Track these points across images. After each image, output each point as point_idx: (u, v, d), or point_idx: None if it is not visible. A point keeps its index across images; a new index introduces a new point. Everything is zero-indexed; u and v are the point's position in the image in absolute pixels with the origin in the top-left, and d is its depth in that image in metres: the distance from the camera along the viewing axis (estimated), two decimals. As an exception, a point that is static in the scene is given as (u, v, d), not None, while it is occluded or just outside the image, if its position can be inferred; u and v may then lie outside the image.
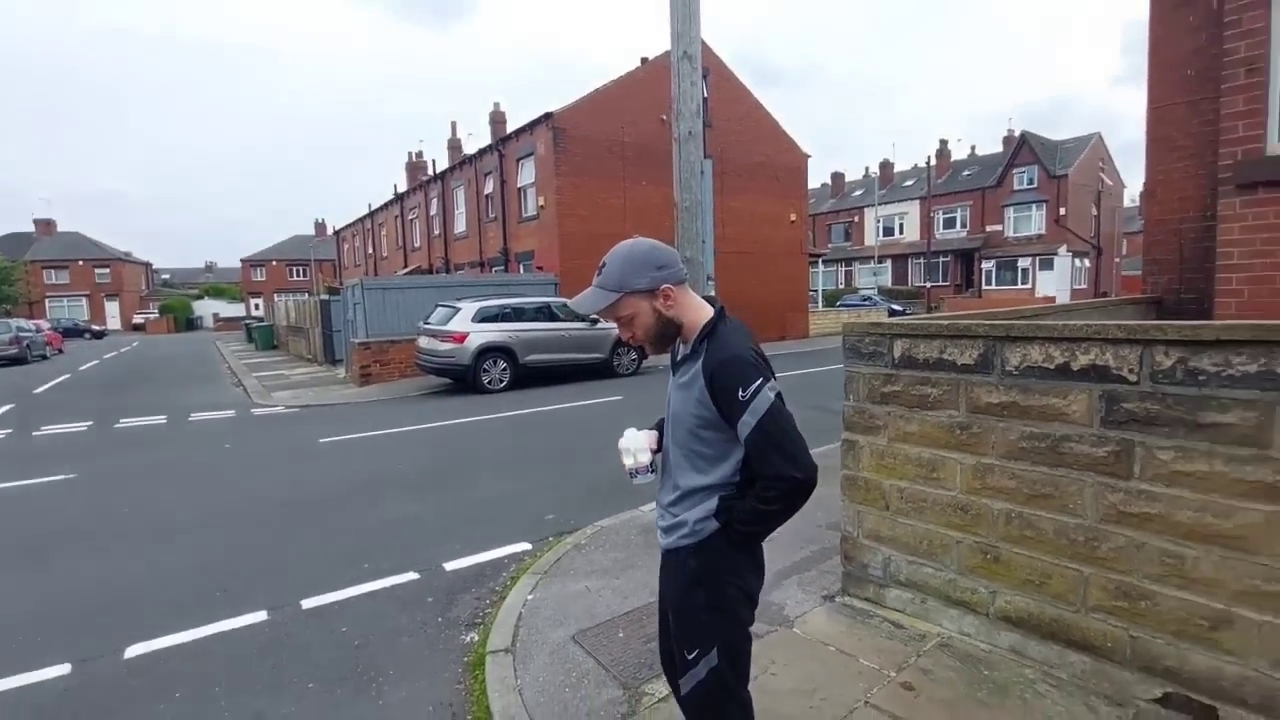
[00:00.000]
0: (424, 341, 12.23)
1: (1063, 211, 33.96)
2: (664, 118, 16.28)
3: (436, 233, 26.04)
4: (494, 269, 21.11)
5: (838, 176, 51.89)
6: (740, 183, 20.10)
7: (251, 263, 65.20)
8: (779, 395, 1.47)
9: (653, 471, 1.77)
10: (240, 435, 9.18)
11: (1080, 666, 2.46)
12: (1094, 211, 31.93)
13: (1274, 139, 4.23)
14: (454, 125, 29.87)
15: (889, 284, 40.90)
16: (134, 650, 3.32)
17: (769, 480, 1.46)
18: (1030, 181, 37.27)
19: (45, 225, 55.91)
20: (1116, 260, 37.84)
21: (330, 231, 50.07)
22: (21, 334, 23.36)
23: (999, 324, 2.64)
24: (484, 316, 11.94)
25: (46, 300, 50.61)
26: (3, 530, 5.34)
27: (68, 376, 18.02)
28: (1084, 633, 2.45)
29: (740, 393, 1.45)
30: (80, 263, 53.35)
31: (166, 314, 51.97)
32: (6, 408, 12.25)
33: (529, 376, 12.22)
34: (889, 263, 42.74)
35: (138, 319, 52.27)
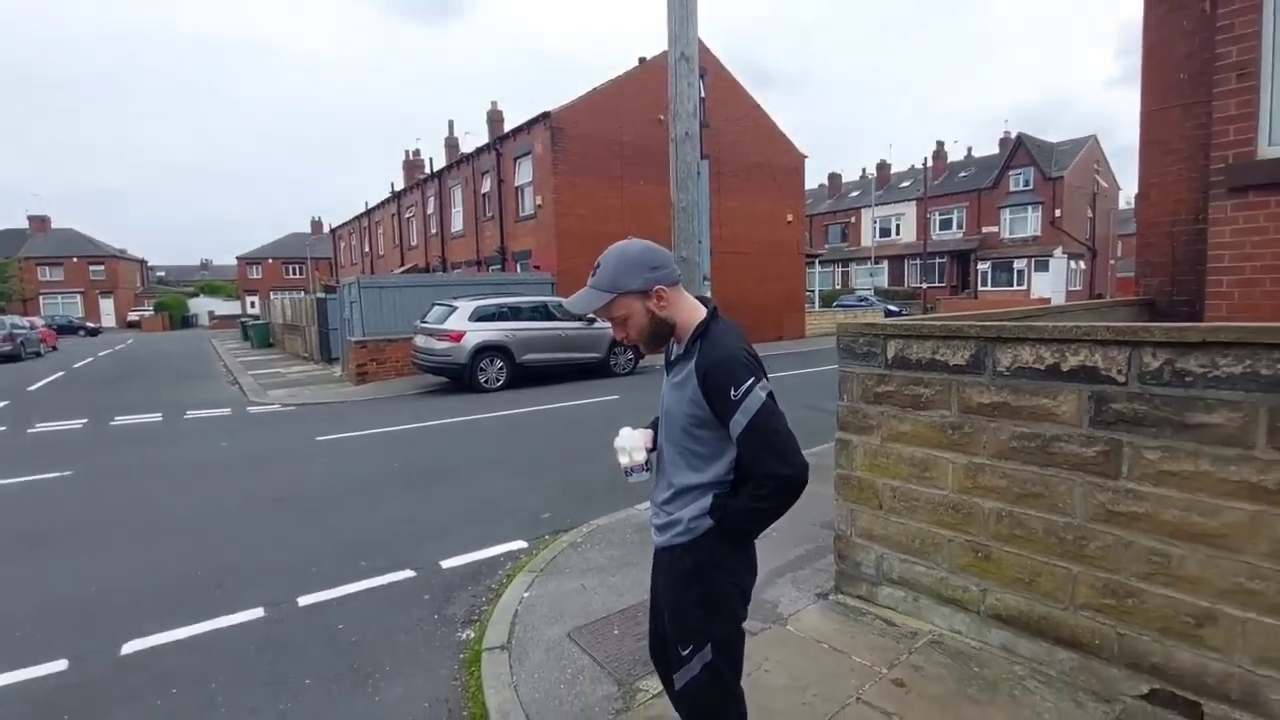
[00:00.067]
0: (420, 340, 12.23)
1: (1058, 213, 34.10)
2: (661, 118, 16.32)
3: (433, 231, 26.03)
4: (491, 268, 21.10)
5: (834, 177, 51.98)
6: (737, 183, 20.15)
7: (247, 260, 65.03)
8: (770, 394, 1.50)
9: (648, 470, 1.80)
10: (236, 433, 9.17)
11: (1069, 663, 2.50)
12: (1089, 213, 32.09)
13: (1265, 143, 4.27)
14: (451, 124, 29.89)
15: (885, 285, 41.01)
16: (131, 647, 3.33)
17: (761, 478, 1.49)
18: (1026, 183, 37.40)
19: (39, 222, 55.70)
20: (1111, 262, 38.04)
21: (327, 229, 50.01)
22: (15, 331, 23.27)
23: (990, 325, 2.68)
24: (481, 315, 11.95)
25: (41, 297, 50.42)
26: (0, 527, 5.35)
27: (62, 374, 17.97)
28: (1072, 630, 2.48)
29: (732, 392, 1.47)
30: (75, 260, 53.14)
31: (161, 311, 51.77)
32: (1, 405, 12.22)
33: (526, 375, 12.24)
34: (885, 263, 42.83)
35: (133, 316, 52.10)
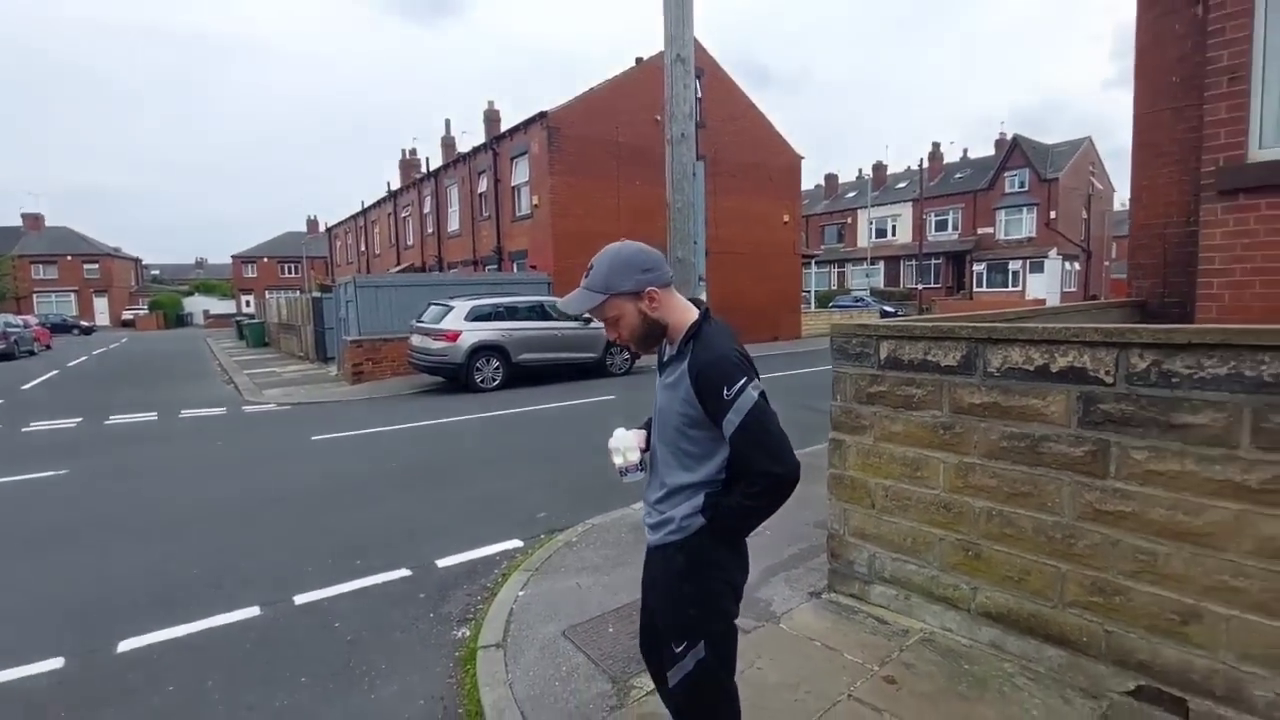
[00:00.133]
0: (416, 340, 12.23)
1: (1053, 215, 34.24)
2: (658, 118, 16.34)
3: (430, 231, 26.01)
4: (487, 267, 21.09)
5: (831, 178, 52.10)
6: (734, 183, 20.18)
7: (243, 259, 64.85)
8: (762, 394, 1.52)
9: (642, 470, 1.82)
10: (232, 432, 9.16)
11: (1057, 660, 2.53)
12: (1084, 215, 32.20)
13: (1255, 146, 4.31)
14: (448, 123, 29.85)
15: (881, 285, 41.13)
16: (127, 644, 3.34)
17: (753, 477, 1.51)
18: (1021, 185, 37.57)
19: (33, 220, 55.43)
20: (1106, 263, 38.20)
21: (323, 228, 49.89)
22: (9, 329, 23.18)
23: (981, 326, 2.71)
24: (477, 315, 11.96)
25: (34, 295, 50.19)
26: (-7, 526, 5.34)
27: (56, 373, 17.91)
28: (1061, 627, 2.52)
29: (725, 392, 1.49)
30: (69, 258, 52.91)
31: (156, 310, 51.60)
32: (-5, 404, 12.18)
33: (522, 375, 12.25)
34: (881, 264, 42.97)
35: (127, 315, 51.90)
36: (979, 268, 38.48)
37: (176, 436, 8.92)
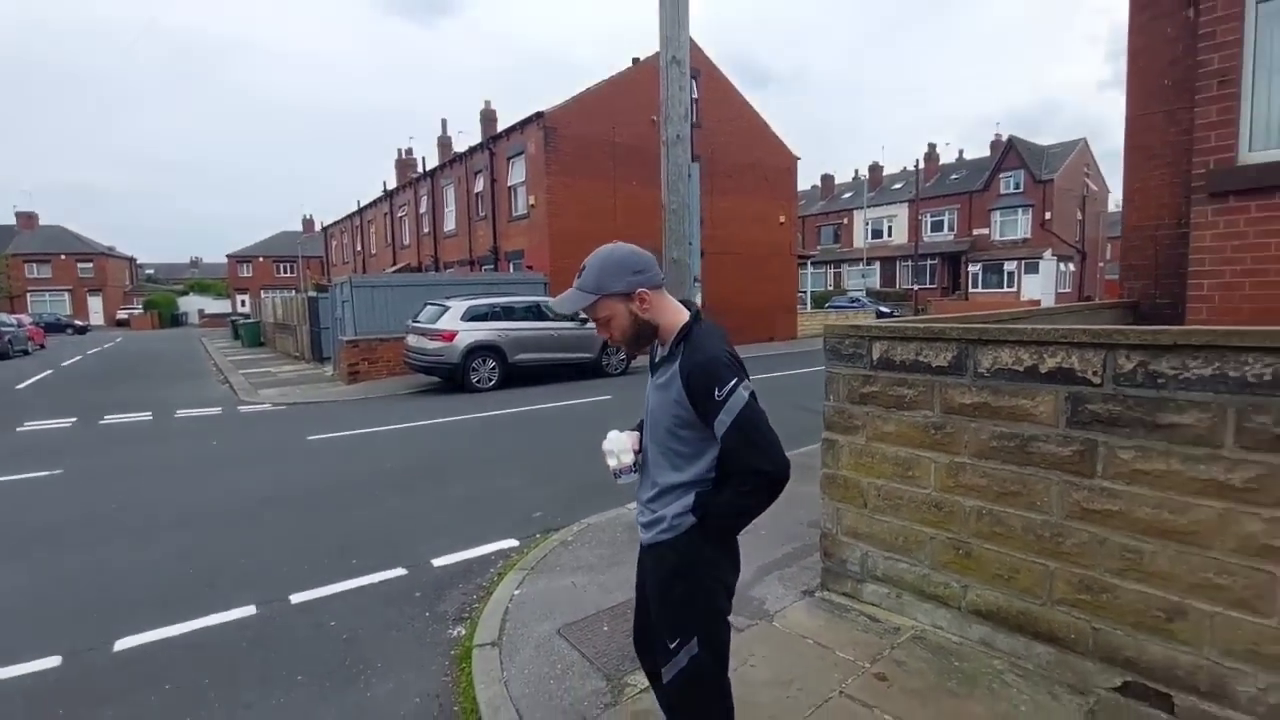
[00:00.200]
0: (413, 340, 12.23)
1: (1048, 216, 34.35)
2: (655, 118, 16.36)
3: (426, 231, 25.98)
4: (484, 268, 21.10)
5: (827, 178, 52.21)
6: (729, 183, 20.23)
7: (238, 259, 64.66)
8: (753, 394, 1.55)
9: (636, 472, 1.84)
10: (227, 432, 9.16)
11: (1046, 657, 2.56)
12: (1079, 216, 32.34)
13: (1245, 149, 4.35)
14: (444, 123, 29.81)
15: (877, 286, 41.26)
16: (123, 643, 3.35)
17: (744, 475, 1.54)
18: (1017, 186, 37.71)
19: (27, 218, 55.14)
20: (1100, 264, 38.34)
21: (318, 228, 49.77)
22: (3, 329, 23.12)
23: (971, 328, 2.74)
24: (473, 315, 11.96)
25: (28, 295, 49.91)
26: (-12, 526, 5.33)
27: (50, 372, 17.85)
28: (1049, 625, 2.55)
29: (716, 393, 1.52)
30: (63, 257, 52.64)
31: (151, 310, 51.40)
32: (-11, 403, 12.14)
33: (518, 375, 12.26)
34: (877, 265, 43.09)
35: (121, 315, 51.67)
36: (974, 268, 38.61)
37: (172, 436, 8.91)
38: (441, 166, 25.06)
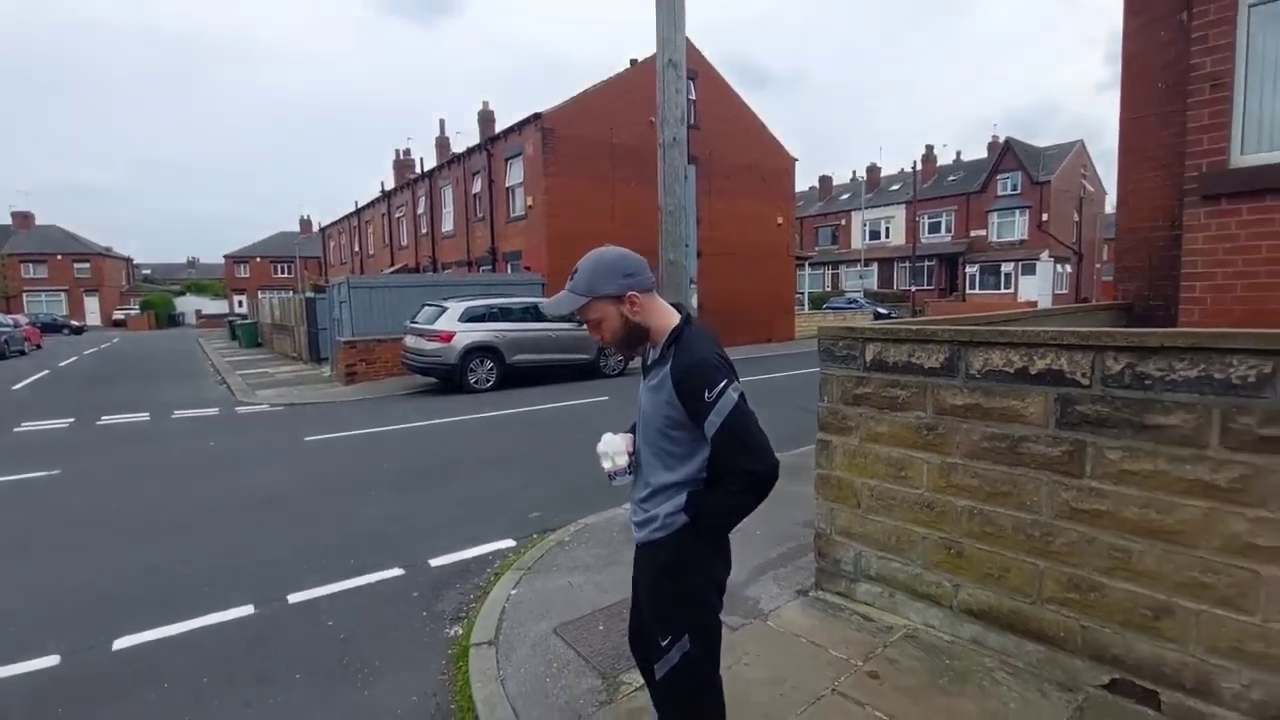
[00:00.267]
0: (410, 340, 12.25)
1: (1045, 217, 34.45)
2: (653, 119, 16.38)
3: (424, 231, 25.98)
4: (481, 268, 21.11)
5: (825, 180, 52.29)
6: (727, 185, 20.26)
7: (235, 259, 64.55)
8: (742, 395, 1.58)
9: (630, 473, 1.87)
10: (224, 433, 9.16)
11: (1035, 655, 2.60)
12: (1076, 217, 32.44)
13: (1237, 152, 4.39)
14: (442, 123, 29.81)
15: (875, 287, 41.34)
16: (122, 642, 3.37)
17: (734, 475, 1.57)
18: (1014, 187, 37.80)
19: (23, 218, 55.01)
20: (1098, 266, 38.46)
21: (316, 228, 49.73)
22: None
23: (963, 329, 2.77)
24: (471, 316, 11.98)
25: (24, 295, 49.80)
26: (-14, 526, 5.34)
27: (47, 373, 17.82)
28: (1039, 623, 2.58)
29: (706, 394, 1.55)
30: (59, 257, 52.53)
31: (148, 310, 51.27)
32: (-15, 404, 12.13)
33: (516, 376, 12.28)
34: (875, 266, 43.17)
35: (118, 315, 51.57)
36: (972, 270, 38.70)
37: (169, 437, 8.92)
38: (439, 167, 25.07)
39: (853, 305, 34.29)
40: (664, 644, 1.75)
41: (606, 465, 1.86)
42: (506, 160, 19.66)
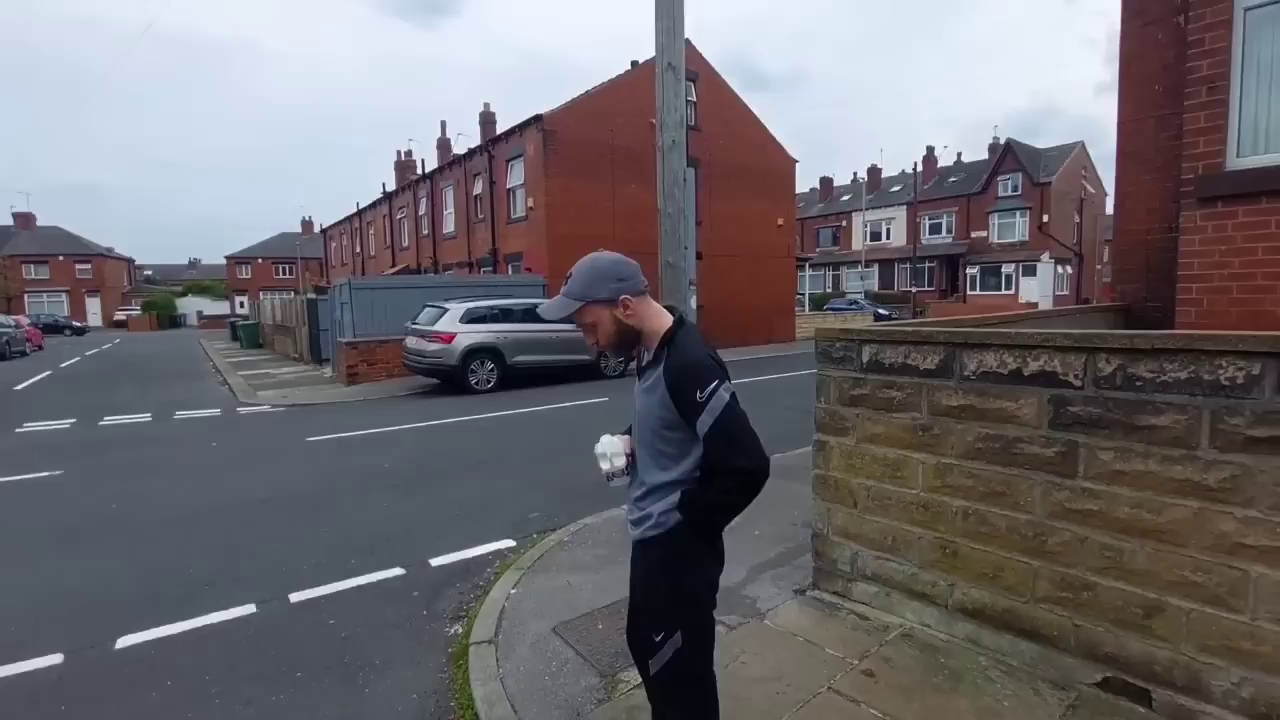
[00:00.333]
0: (411, 341, 12.28)
1: (1046, 218, 34.45)
2: (653, 121, 16.41)
3: (425, 232, 26.03)
4: (483, 270, 21.15)
5: (826, 181, 52.33)
6: (728, 186, 20.29)
7: (237, 260, 64.64)
8: (733, 395, 1.61)
9: (628, 475, 1.90)
10: (226, 433, 9.20)
11: (1029, 654, 2.62)
12: (1076, 219, 32.47)
13: (1233, 155, 4.41)
14: (443, 124, 29.88)
15: (876, 288, 41.36)
16: (125, 641, 3.40)
17: (726, 474, 1.60)
18: (1014, 189, 37.83)
19: (24, 219, 55.17)
20: (1098, 267, 38.44)
21: (317, 230, 49.80)
22: (1, 330, 23.11)
23: (958, 331, 2.80)
24: (472, 317, 12.01)
25: (26, 296, 49.89)
26: (-11, 526, 5.38)
27: (49, 373, 17.87)
28: (1033, 622, 2.61)
29: (698, 394, 1.58)
30: (61, 258, 52.64)
31: (149, 311, 51.34)
32: (-12, 404, 12.17)
33: (516, 377, 12.31)
34: (876, 267, 43.19)
35: (120, 316, 51.64)
36: (972, 271, 38.72)
37: (171, 438, 8.95)
38: (441, 168, 25.12)
39: (853, 306, 34.32)
40: (657, 640, 1.78)
41: (604, 466, 1.88)
42: (507, 162, 19.70)
